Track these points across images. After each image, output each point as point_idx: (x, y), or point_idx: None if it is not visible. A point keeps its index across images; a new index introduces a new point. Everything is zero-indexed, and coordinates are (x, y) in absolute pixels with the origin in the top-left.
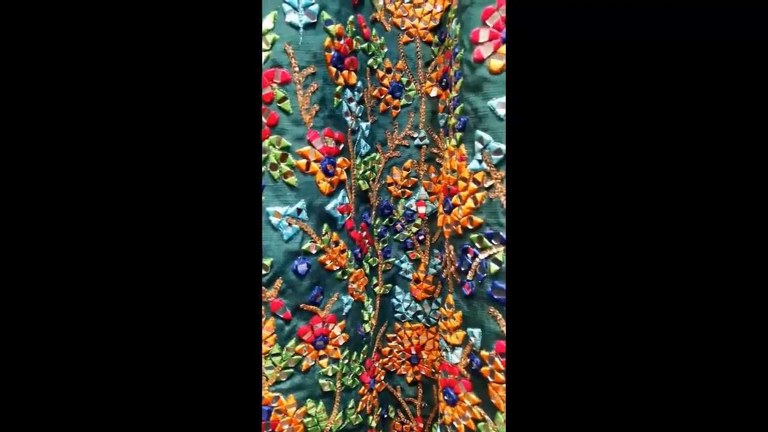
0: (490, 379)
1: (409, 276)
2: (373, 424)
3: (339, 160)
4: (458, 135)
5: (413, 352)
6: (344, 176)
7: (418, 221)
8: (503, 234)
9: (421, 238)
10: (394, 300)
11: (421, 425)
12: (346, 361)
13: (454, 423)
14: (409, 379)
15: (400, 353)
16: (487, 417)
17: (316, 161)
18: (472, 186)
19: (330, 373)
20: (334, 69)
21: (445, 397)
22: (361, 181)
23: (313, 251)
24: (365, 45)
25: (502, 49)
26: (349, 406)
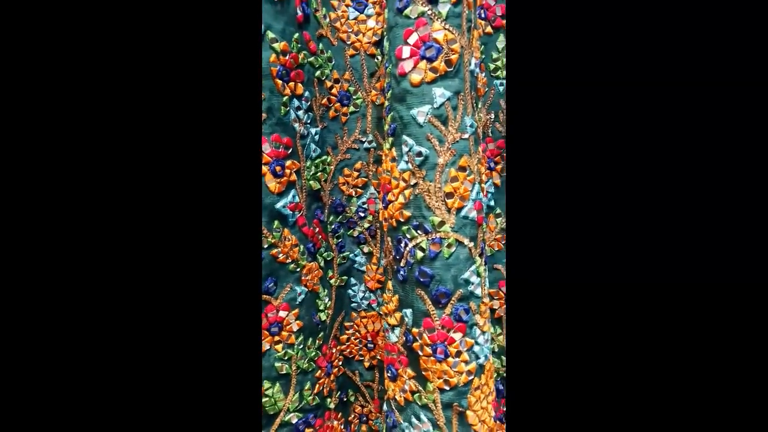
0: (420, 353)
1: (363, 268)
2: (332, 406)
3: (288, 163)
4: (390, 140)
5: (369, 339)
6: (294, 177)
7: (370, 217)
8: (427, 225)
9: (372, 233)
10: (350, 291)
11: (378, 407)
12: (301, 346)
13: (396, 396)
14: (367, 364)
15: (358, 340)
16: (420, 388)
17: (265, 164)
18: (402, 184)
19: (285, 357)
20: (280, 81)
21: (388, 374)
22: (312, 182)
23: (265, 245)
24: (312, 58)
25: (422, 64)
26: (306, 387)
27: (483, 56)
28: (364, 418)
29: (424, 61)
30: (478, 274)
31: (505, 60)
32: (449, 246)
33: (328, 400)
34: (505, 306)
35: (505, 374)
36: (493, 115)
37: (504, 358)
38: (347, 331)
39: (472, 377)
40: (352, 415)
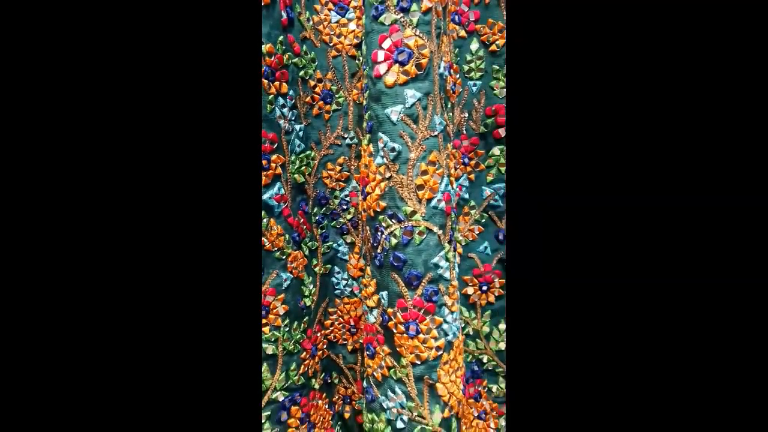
0: (395, 331)
1: (346, 257)
2: (317, 387)
3: (273, 157)
4: (367, 136)
5: (352, 324)
6: (279, 171)
7: (352, 209)
8: (400, 215)
9: (354, 224)
10: (333, 278)
11: (361, 388)
12: (287, 329)
13: (374, 373)
14: (350, 348)
15: (341, 325)
16: (395, 363)
17: None
18: (378, 177)
19: (272, 339)
20: (266, 81)
21: (367, 353)
22: (296, 175)
23: None
24: (296, 59)
25: (395, 67)
26: (292, 368)
27: (457, 58)
28: (348, 399)
29: (397, 64)
30: (447, 259)
31: (479, 63)
32: (420, 233)
33: (313, 380)
34: (480, 294)
35: (481, 357)
36: (467, 114)
37: (479, 341)
38: (331, 317)
39: (441, 352)
40: (337, 396)
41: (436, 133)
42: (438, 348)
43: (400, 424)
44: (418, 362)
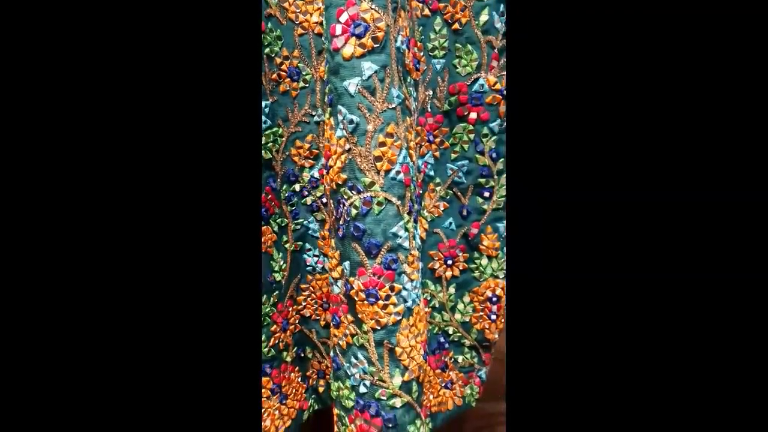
0: (356, 299)
1: (317, 234)
2: (288, 360)
3: None
4: (329, 110)
5: (324, 300)
6: None
7: (321, 187)
8: (359, 186)
9: (324, 201)
10: (305, 255)
11: None
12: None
13: (339, 342)
14: (323, 323)
15: (314, 301)
16: (357, 330)
17: None
18: (339, 150)
19: None
20: None
21: (333, 323)
22: (263, 151)
23: None
24: (261, 37)
25: (352, 40)
26: (262, 340)
27: (422, 36)
28: (322, 374)
29: (354, 37)
30: (406, 229)
31: (442, 41)
32: (379, 204)
33: (285, 353)
34: (445, 267)
35: (447, 329)
36: (431, 92)
37: (444, 313)
38: (303, 293)
39: (400, 318)
40: (311, 371)
41: (393, 105)
42: (397, 314)
43: (362, 389)
44: (378, 327)
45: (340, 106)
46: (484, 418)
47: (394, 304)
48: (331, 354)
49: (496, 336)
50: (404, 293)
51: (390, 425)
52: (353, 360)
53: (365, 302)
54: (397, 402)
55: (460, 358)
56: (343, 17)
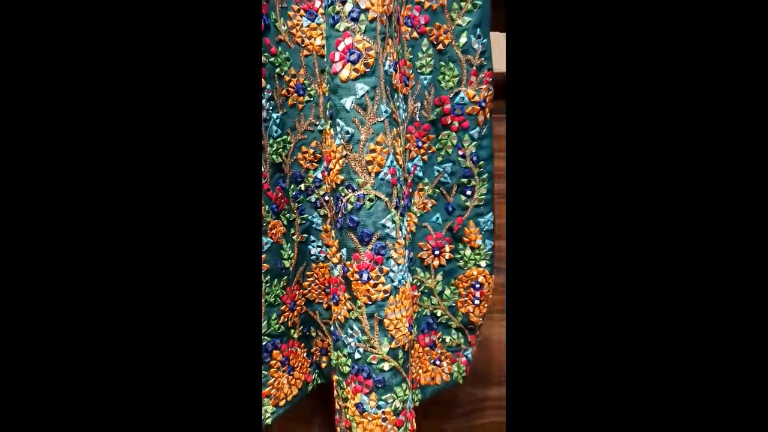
0: (352, 279)
1: (320, 227)
2: (296, 336)
3: None
4: (329, 122)
5: (327, 285)
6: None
7: (324, 186)
8: (354, 185)
9: (326, 198)
10: (309, 246)
11: None
12: (269, 284)
13: (338, 317)
14: (325, 306)
15: (317, 286)
16: (353, 306)
17: None
18: (338, 155)
19: None
20: None
21: (333, 301)
22: (274, 156)
23: None
24: (273, 59)
25: (348, 66)
26: (273, 317)
27: (411, 56)
28: (324, 351)
29: (349, 63)
30: (393, 222)
31: (428, 60)
32: (370, 200)
33: (292, 330)
34: (433, 257)
35: (435, 312)
36: (419, 104)
37: (432, 297)
38: (308, 279)
39: (387, 295)
40: (315, 348)
41: (382, 119)
42: (385, 291)
43: (357, 356)
44: (370, 302)
45: (338, 120)
46: (473, 402)
47: (383, 283)
48: (332, 328)
49: (480, 320)
50: (391, 274)
51: (380, 386)
52: (349, 331)
53: (359, 281)
54: (386, 366)
55: (447, 339)
56: (341, 46)
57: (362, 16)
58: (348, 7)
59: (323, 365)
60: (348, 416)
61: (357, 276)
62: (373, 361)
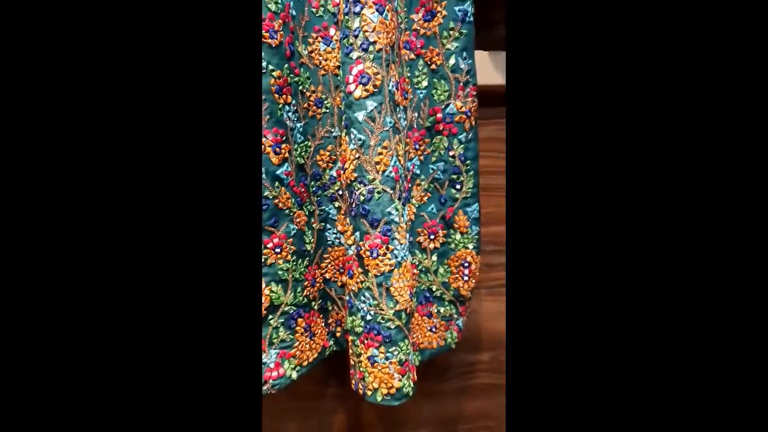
0: (364, 256)
1: (335, 217)
2: (315, 308)
3: (283, 146)
4: (344, 131)
5: (341, 266)
6: (287, 155)
7: (338, 183)
8: (365, 181)
9: (340, 193)
10: (326, 233)
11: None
12: (295, 263)
13: (352, 288)
14: (339, 284)
15: (333, 267)
16: (365, 277)
17: (269, 146)
18: (352, 158)
19: (285, 269)
20: (276, 95)
21: (347, 276)
22: (298, 158)
23: (270, 197)
24: (296, 79)
25: (360, 87)
26: (298, 290)
27: (409, 74)
28: (339, 322)
29: (361, 85)
30: (397, 210)
31: (424, 77)
32: (378, 193)
33: (313, 303)
34: (429, 240)
35: (431, 287)
36: (416, 114)
37: (429, 275)
38: (325, 260)
39: (392, 268)
40: (331, 320)
41: (387, 128)
42: (391, 265)
43: (368, 317)
44: (379, 274)
45: (352, 129)
46: (465, 366)
47: (389, 259)
48: (347, 298)
49: (469, 293)
50: (396, 252)
51: (387, 340)
52: (362, 298)
53: (370, 257)
54: (392, 324)
55: (441, 309)
56: (354, 71)
57: (371, 47)
58: (360, 40)
59: (338, 334)
60: (361, 368)
61: (368, 253)
62: (381, 321)
